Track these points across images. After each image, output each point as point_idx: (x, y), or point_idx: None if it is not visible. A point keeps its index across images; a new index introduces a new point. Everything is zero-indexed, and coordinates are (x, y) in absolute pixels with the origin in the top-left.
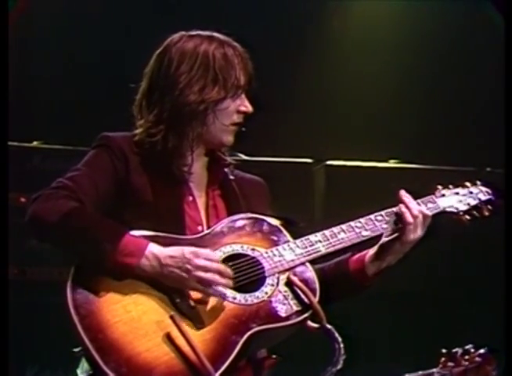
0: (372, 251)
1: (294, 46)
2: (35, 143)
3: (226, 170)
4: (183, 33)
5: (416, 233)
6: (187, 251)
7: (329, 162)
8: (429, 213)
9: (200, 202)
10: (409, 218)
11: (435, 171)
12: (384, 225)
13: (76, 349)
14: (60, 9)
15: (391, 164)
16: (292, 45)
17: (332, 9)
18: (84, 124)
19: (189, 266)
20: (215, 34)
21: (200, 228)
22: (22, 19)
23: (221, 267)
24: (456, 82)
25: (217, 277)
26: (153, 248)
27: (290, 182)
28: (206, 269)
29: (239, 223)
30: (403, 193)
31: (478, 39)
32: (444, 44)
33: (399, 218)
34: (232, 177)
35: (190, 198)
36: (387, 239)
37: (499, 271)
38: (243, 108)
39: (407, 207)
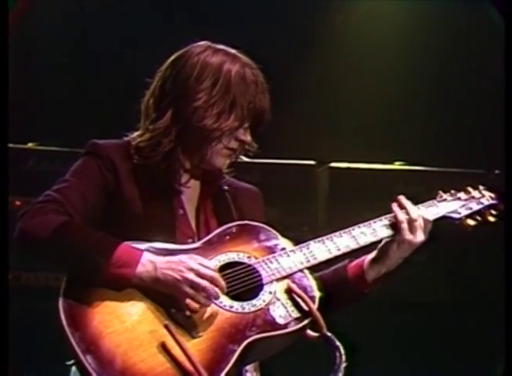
0: (370, 255)
1: (297, 46)
2: (30, 145)
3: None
4: (208, 44)
5: (416, 236)
6: (184, 255)
7: (332, 164)
8: (428, 217)
9: (191, 216)
10: (401, 216)
11: (442, 173)
12: (384, 231)
13: (69, 362)
14: (60, 9)
15: (397, 166)
16: (295, 44)
17: (335, 9)
18: (81, 125)
19: (181, 268)
20: (240, 55)
21: (190, 241)
22: (22, 19)
23: (215, 275)
24: (459, 83)
25: (208, 284)
26: (149, 256)
27: (292, 185)
28: (199, 273)
29: (235, 231)
30: (400, 197)
31: (478, 39)
32: (444, 44)
33: (395, 218)
34: (226, 187)
35: (181, 211)
36: (384, 242)
37: (499, 272)
38: (242, 137)
39: (400, 205)
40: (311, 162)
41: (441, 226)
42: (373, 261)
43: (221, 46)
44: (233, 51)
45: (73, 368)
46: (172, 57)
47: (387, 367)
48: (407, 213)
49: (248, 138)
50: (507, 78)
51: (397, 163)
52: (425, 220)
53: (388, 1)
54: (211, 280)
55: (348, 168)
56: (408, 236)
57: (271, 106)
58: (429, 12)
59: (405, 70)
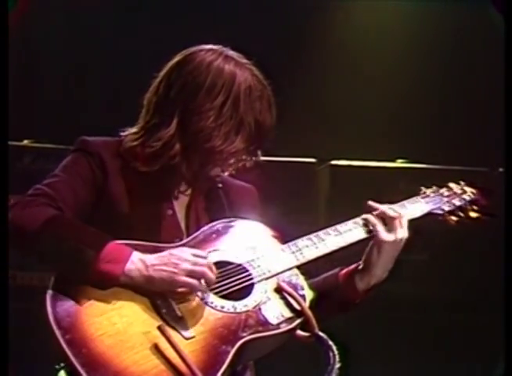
0: (360, 265)
1: (298, 44)
2: (26, 142)
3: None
4: (219, 50)
5: (392, 235)
6: (173, 249)
7: (333, 162)
8: (415, 211)
9: (181, 215)
10: (372, 219)
11: (444, 171)
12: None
13: (58, 366)
14: (60, 9)
15: (398, 163)
16: (296, 43)
17: (335, 8)
18: (78, 122)
19: (176, 260)
20: (250, 67)
21: (177, 241)
22: (22, 19)
23: (210, 263)
24: (460, 81)
25: (206, 269)
26: (138, 254)
27: (293, 183)
28: (194, 262)
29: (221, 229)
30: (369, 202)
31: (478, 39)
32: (444, 43)
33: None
34: (219, 185)
35: (170, 212)
36: (366, 251)
37: (498, 272)
38: (243, 156)
39: (372, 207)
40: (312, 160)
41: (429, 222)
42: (362, 271)
43: (231, 53)
44: (243, 60)
45: (61, 373)
46: (179, 58)
47: (385, 367)
48: (379, 214)
49: (248, 157)
50: (507, 78)
51: (399, 160)
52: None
53: (388, 1)
54: (206, 266)
55: (349, 166)
56: (386, 236)
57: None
58: (429, 12)
59: (406, 68)
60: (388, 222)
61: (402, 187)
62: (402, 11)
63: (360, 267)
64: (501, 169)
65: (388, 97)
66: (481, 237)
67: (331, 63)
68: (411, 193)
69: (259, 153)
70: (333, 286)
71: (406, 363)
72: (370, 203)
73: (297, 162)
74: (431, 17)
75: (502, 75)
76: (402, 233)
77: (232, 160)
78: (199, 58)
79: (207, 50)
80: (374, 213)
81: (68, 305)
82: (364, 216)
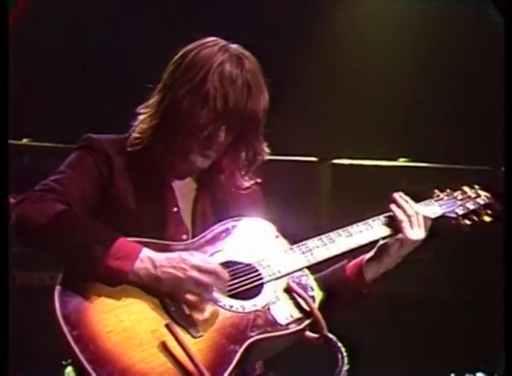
0: (369, 254)
1: (298, 43)
2: (25, 141)
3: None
4: (219, 44)
5: (415, 233)
6: (184, 252)
7: (334, 161)
8: (428, 214)
9: (187, 212)
10: (401, 216)
11: (447, 170)
12: (383, 230)
13: (65, 362)
14: (60, 8)
15: (400, 162)
16: (296, 42)
17: (335, 6)
18: (77, 121)
19: (184, 266)
20: (238, 52)
21: (184, 236)
22: (22, 19)
23: (218, 268)
24: (460, 81)
25: (212, 278)
26: (148, 252)
27: (294, 182)
28: (201, 269)
29: (231, 228)
30: (396, 194)
31: (479, 39)
32: (444, 43)
33: (394, 218)
34: (222, 182)
35: (175, 209)
36: (385, 241)
37: (499, 272)
38: (215, 137)
39: (399, 205)
40: (313, 159)
41: (442, 224)
42: (372, 260)
43: (231, 45)
44: (236, 49)
45: (68, 368)
46: (182, 53)
47: (386, 367)
48: (405, 211)
49: (222, 139)
50: (507, 78)
51: (400, 159)
52: (424, 217)
53: (388, 1)
54: (215, 274)
55: (351, 165)
56: (410, 234)
57: (271, 103)
58: (429, 12)
59: (407, 67)
60: (412, 221)
61: (404, 186)
62: (401, 11)
63: (371, 256)
64: (503, 168)
65: (389, 96)
66: (484, 237)
67: (332, 62)
68: (413, 192)
69: (258, 150)
70: (341, 277)
71: (408, 362)
72: (395, 195)
73: (299, 161)
74: (431, 17)
75: (503, 74)
76: (423, 233)
77: (204, 142)
78: (193, 47)
79: (207, 43)
80: (397, 210)
81: (76, 301)
82: (389, 214)
